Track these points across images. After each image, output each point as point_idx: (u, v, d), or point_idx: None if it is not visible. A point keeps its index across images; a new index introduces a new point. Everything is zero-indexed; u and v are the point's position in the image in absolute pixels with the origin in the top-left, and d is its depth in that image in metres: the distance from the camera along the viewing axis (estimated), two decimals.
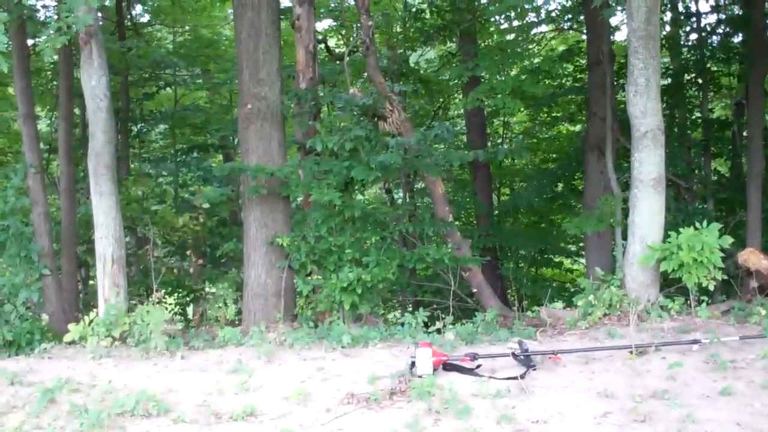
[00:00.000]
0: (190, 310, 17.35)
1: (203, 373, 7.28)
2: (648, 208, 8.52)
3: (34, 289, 10.16)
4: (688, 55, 16.55)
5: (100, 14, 10.73)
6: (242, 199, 10.83)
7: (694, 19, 16.56)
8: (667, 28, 16.40)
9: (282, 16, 11.90)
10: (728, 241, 8.10)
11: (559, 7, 16.30)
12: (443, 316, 8.85)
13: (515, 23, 16.03)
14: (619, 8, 11.81)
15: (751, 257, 8.64)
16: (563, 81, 18.74)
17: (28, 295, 9.94)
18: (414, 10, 16.24)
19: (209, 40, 19.18)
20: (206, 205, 14.79)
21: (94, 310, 9.19)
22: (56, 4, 13.64)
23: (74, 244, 13.07)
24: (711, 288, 8.11)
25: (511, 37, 16.29)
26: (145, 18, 19.82)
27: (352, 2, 12.94)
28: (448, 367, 6.77)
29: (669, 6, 15.85)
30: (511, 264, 17.87)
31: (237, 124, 11.05)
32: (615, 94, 14.21)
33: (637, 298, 8.44)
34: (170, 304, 16.42)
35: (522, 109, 14.39)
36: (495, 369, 6.72)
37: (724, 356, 6.54)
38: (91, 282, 16.39)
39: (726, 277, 8.34)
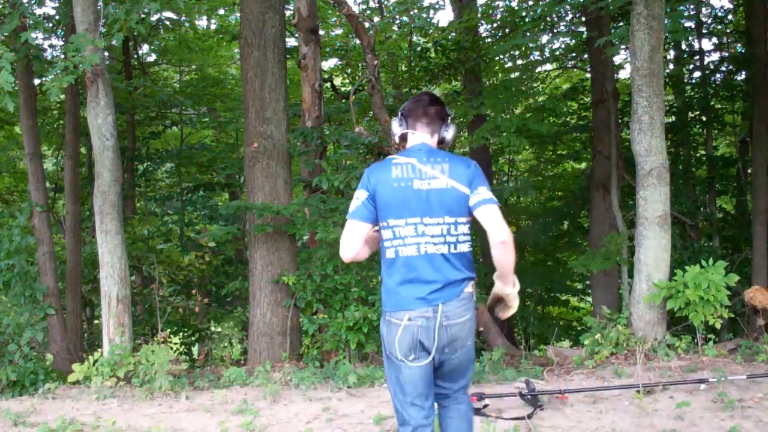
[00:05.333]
0: (195, 349, 17.31)
1: (208, 413, 7.24)
2: (654, 246, 8.50)
3: (39, 329, 10.13)
4: (692, 93, 16.65)
5: (106, 54, 10.82)
6: (248, 237, 10.83)
7: (697, 57, 16.67)
8: (671, 66, 16.51)
9: (288, 56, 11.99)
10: (734, 278, 8.08)
11: (563, 46, 16.43)
12: None
13: (519, 62, 16.14)
14: (623, 47, 11.90)
15: (757, 295, 8.62)
16: (568, 119, 18.84)
17: (33, 334, 9.90)
18: (419, 49, 16.33)
19: (215, 79, 19.30)
20: (212, 244, 14.79)
21: (99, 350, 9.18)
22: (63, 43, 13.77)
23: (79, 284, 13.07)
24: (718, 326, 8.08)
25: (515, 75, 16.41)
26: (152, 57, 20.02)
27: (358, 42, 13.01)
28: None
29: (672, 44, 15.96)
30: None
31: (243, 163, 11.08)
32: (620, 132, 14.29)
33: (644, 337, 8.40)
34: (175, 343, 16.42)
35: (527, 147, 14.41)
36: (502, 409, 6.67)
37: (732, 395, 6.49)
38: (95, 321, 16.36)
39: (733, 315, 8.31)
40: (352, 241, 3.98)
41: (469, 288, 3.93)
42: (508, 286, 4.02)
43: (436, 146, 4.08)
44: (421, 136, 4.06)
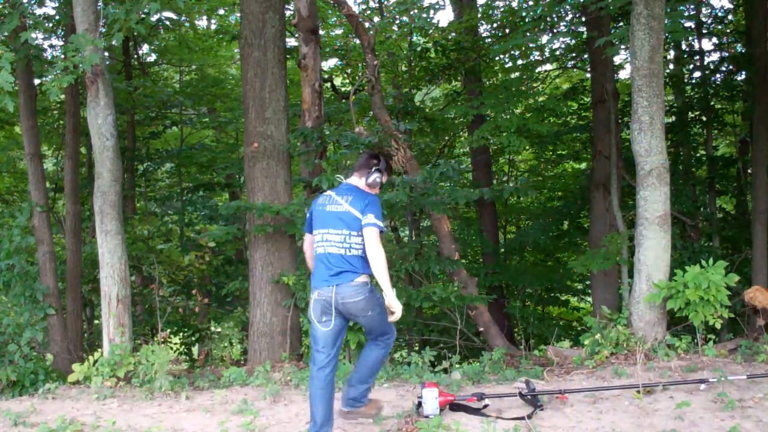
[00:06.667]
0: (195, 349, 17.30)
1: (208, 413, 7.23)
2: (654, 246, 8.49)
3: (39, 329, 10.12)
4: (692, 93, 16.64)
5: (106, 54, 10.80)
6: (248, 237, 10.82)
7: (697, 57, 16.66)
8: (671, 66, 16.50)
9: (288, 56, 11.98)
10: (734, 278, 8.07)
11: (563, 46, 16.43)
12: (450, 355, 8.80)
13: (519, 62, 16.14)
14: (623, 47, 11.89)
15: (757, 295, 8.60)
16: (568, 119, 18.82)
17: (33, 334, 9.89)
18: (419, 49, 16.32)
19: (216, 79, 19.28)
20: (212, 244, 14.76)
21: (99, 350, 9.16)
22: (63, 43, 13.75)
23: (79, 284, 13.05)
24: (718, 326, 8.07)
25: (515, 75, 16.40)
26: (152, 57, 19.98)
27: (358, 42, 13.00)
28: (455, 407, 6.71)
29: (672, 44, 15.95)
30: (517, 302, 17.80)
31: (243, 163, 11.07)
32: (620, 132, 14.28)
33: (644, 337, 8.39)
34: (175, 343, 16.39)
35: (527, 147, 14.40)
36: (502, 409, 6.67)
37: (732, 395, 6.48)
38: (96, 321, 16.34)
39: (733, 315, 8.29)
40: (305, 246, 6.26)
41: (361, 279, 5.69)
42: (387, 297, 5.68)
43: (364, 186, 5.98)
44: (352, 179, 6.04)
